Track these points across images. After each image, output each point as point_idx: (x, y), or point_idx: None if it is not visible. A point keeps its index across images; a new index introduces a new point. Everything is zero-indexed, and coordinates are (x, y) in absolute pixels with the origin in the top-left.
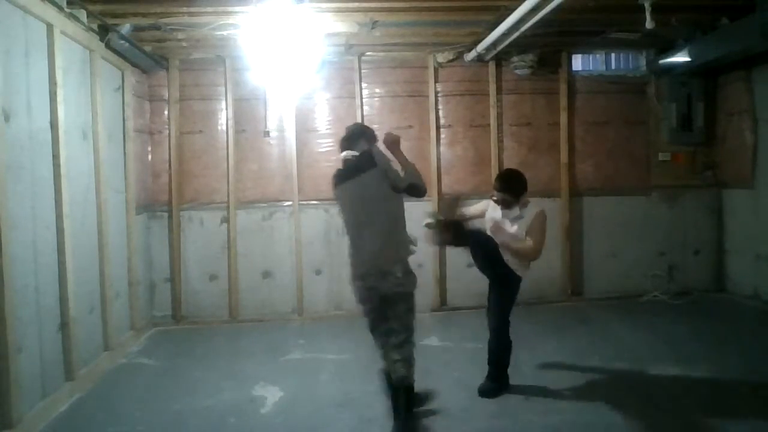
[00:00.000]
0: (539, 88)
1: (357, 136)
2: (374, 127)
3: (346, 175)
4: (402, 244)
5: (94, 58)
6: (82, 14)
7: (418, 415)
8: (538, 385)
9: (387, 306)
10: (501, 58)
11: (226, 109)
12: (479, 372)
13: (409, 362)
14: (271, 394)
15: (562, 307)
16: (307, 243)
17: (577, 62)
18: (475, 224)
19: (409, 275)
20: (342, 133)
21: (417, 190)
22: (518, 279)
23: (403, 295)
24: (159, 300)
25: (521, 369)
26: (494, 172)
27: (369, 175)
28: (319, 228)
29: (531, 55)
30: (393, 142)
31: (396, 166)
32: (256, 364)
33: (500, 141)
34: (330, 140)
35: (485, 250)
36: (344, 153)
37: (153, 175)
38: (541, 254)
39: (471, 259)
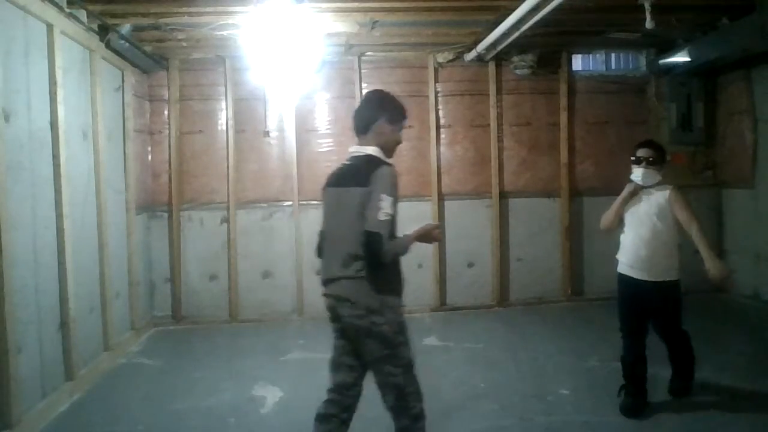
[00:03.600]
0: (539, 88)
1: (369, 108)
2: None
3: (334, 180)
4: (366, 281)
5: (94, 58)
6: (82, 14)
7: None
8: (538, 385)
9: (351, 343)
10: (501, 58)
11: (226, 109)
12: (479, 372)
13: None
14: (271, 394)
15: (562, 307)
16: (307, 243)
17: (577, 62)
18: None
19: (375, 313)
20: (343, 132)
21: (375, 248)
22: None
23: (365, 331)
24: (159, 300)
25: (521, 369)
26: (494, 172)
27: (359, 192)
28: (319, 228)
29: (531, 55)
30: (426, 237)
31: (382, 207)
32: (256, 364)
33: (500, 141)
34: (330, 140)
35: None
36: (351, 149)
37: (153, 175)
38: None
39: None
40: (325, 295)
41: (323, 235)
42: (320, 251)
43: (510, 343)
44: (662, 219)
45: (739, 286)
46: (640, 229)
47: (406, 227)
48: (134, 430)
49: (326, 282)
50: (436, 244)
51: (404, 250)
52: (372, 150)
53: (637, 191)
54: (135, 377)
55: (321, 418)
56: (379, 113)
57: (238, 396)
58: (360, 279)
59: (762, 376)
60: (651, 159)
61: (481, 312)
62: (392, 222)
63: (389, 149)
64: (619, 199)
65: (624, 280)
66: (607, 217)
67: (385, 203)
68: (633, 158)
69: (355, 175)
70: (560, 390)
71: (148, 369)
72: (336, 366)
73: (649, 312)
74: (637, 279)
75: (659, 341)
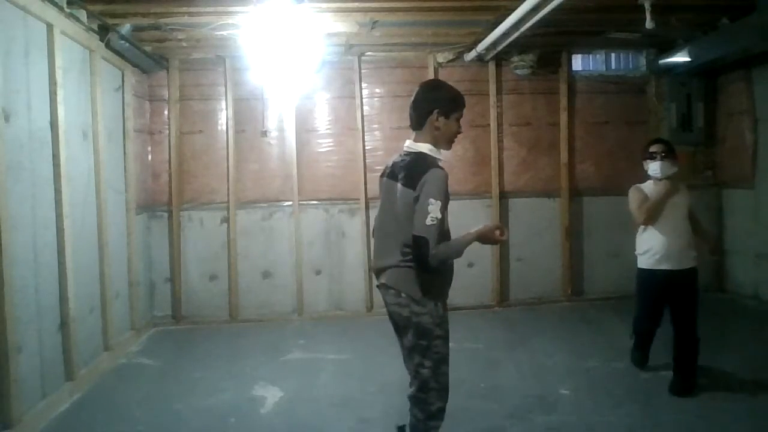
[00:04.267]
0: (539, 88)
1: (423, 102)
2: (374, 127)
3: (389, 172)
4: (410, 271)
5: (94, 58)
6: (82, 14)
7: None
8: (538, 385)
9: (397, 330)
10: (501, 58)
11: (226, 109)
12: (479, 372)
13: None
14: (271, 394)
15: (562, 307)
16: (307, 243)
17: (577, 62)
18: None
19: (418, 304)
20: (343, 132)
21: (422, 253)
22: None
23: (407, 320)
24: (159, 300)
25: (521, 369)
26: (494, 172)
27: (402, 190)
28: (319, 228)
29: (531, 55)
30: (486, 238)
31: (432, 206)
32: (256, 364)
33: (500, 141)
34: (330, 140)
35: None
36: (406, 144)
37: (153, 175)
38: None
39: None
40: (378, 285)
41: (377, 217)
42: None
43: (510, 343)
44: (686, 210)
45: (739, 286)
46: (675, 222)
47: None
48: (134, 430)
49: (377, 272)
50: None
51: (457, 253)
52: (425, 147)
53: (677, 188)
54: (135, 377)
55: (410, 400)
56: (431, 106)
57: (238, 396)
58: (407, 269)
59: (762, 377)
60: (664, 153)
61: (481, 312)
62: (441, 225)
63: (446, 142)
64: (663, 195)
65: (653, 273)
66: (648, 212)
67: (433, 207)
68: (648, 154)
69: (406, 174)
70: (560, 390)
71: (148, 369)
72: (403, 356)
73: (672, 300)
74: (671, 270)
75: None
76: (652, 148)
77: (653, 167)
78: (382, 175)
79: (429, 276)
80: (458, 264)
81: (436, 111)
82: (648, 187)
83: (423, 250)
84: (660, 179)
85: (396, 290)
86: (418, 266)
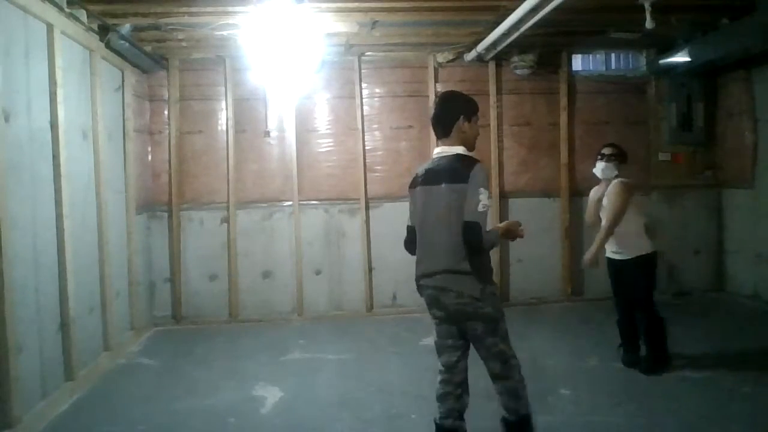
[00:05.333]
0: (539, 88)
1: (448, 110)
2: (374, 127)
3: (424, 179)
4: (468, 273)
5: (94, 58)
6: (82, 14)
7: None
8: (538, 384)
9: (451, 322)
10: (501, 58)
11: (226, 109)
12: (479, 372)
13: (516, 393)
14: (271, 394)
15: (562, 307)
16: (307, 243)
17: (577, 62)
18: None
19: (479, 300)
20: (343, 132)
21: (475, 238)
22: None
23: (470, 314)
24: (159, 300)
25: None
26: (494, 172)
27: (449, 189)
28: (319, 228)
29: (531, 55)
30: (510, 233)
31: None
32: (256, 364)
33: (500, 141)
34: (330, 140)
35: None
36: (437, 150)
37: (153, 175)
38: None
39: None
40: (424, 286)
41: (414, 231)
42: (409, 245)
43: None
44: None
45: (739, 286)
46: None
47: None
48: (134, 430)
49: (427, 275)
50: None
51: (497, 240)
52: (459, 149)
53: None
54: (135, 377)
55: (440, 398)
56: (456, 114)
57: (238, 396)
58: (464, 272)
59: (762, 377)
60: (612, 156)
61: None
62: (487, 214)
63: (471, 144)
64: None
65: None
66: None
67: (483, 196)
68: (598, 155)
69: (451, 173)
70: (560, 390)
71: (148, 369)
72: (441, 349)
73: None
74: (612, 259)
75: None
76: (603, 150)
77: (597, 167)
78: (413, 186)
79: (483, 272)
80: None
81: (461, 117)
82: (596, 189)
83: (476, 235)
84: (601, 180)
85: (457, 292)
86: (471, 250)
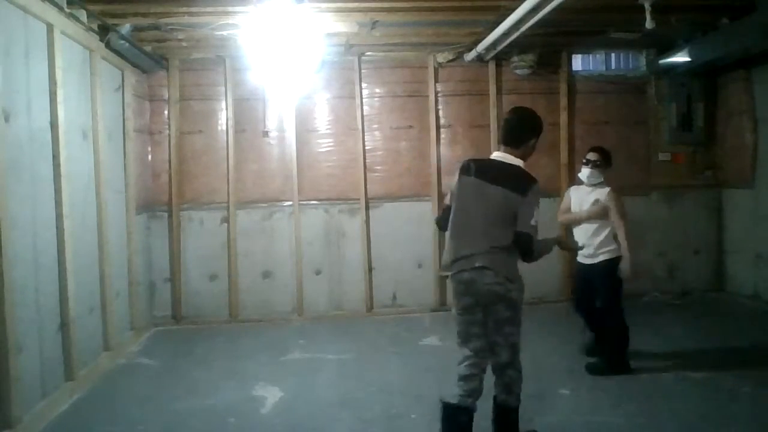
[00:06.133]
0: (539, 88)
1: (524, 131)
2: (374, 127)
3: (478, 173)
4: (504, 259)
5: (94, 58)
6: (82, 14)
7: None
8: (538, 384)
9: (480, 306)
10: (501, 58)
11: (226, 109)
12: None
13: (510, 388)
14: (271, 394)
15: (562, 307)
16: (307, 243)
17: (577, 62)
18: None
19: (510, 282)
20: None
21: (531, 248)
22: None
23: (500, 296)
24: (159, 300)
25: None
26: None
27: (506, 194)
28: (319, 228)
29: (531, 55)
30: (564, 244)
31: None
32: (256, 364)
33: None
34: (330, 140)
35: None
36: (498, 154)
37: (153, 175)
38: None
39: None
40: (461, 271)
41: (449, 210)
42: (443, 222)
43: None
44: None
45: (739, 286)
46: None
47: (405, 227)
48: (134, 430)
49: (466, 256)
50: (437, 243)
51: (549, 250)
52: (520, 162)
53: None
54: (135, 377)
55: (465, 378)
56: (533, 134)
57: (238, 396)
58: (502, 254)
59: (761, 377)
60: (597, 162)
61: None
62: (537, 228)
63: (527, 158)
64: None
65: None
66: (562, 223)
67: (536, 212)
68: (584, 160)
69: (512, 182)
70: (560, 390)
71: (148, 369)
72: (467, 337)
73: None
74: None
75: None
76: (588, 156)
77: (583, 172)
78: (465, 173)
79: (516, 260)
80: None
81: (534, 138)
82: (578, 190)
83: (528, 245)
84: (587, 185)
85: (495, 271)
86: (522, 257)
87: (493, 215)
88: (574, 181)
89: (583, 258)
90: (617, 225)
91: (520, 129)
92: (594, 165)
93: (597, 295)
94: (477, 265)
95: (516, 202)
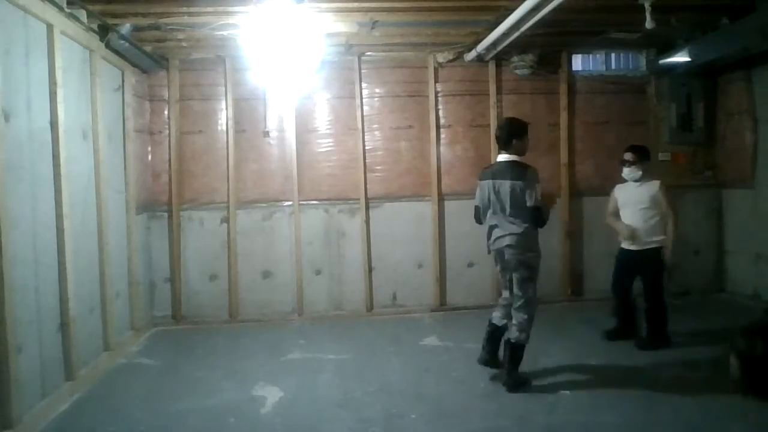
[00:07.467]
0: (539, 88)
1: (509, 136)
2: (374, 127)
3: (490, 175)
4: (523, 235)
5: (94, 58)
6: (82, 14)
7: (520, 375)
8: (538, 384)
9: (508, 270)
10: (501, 58)
11: (226, 109)
12: (479, 372)
13: (521, 326)
14: (271, 394)
15: (562, 307)
16: (307, 243)
17: (577, 62)
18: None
19: (529, 252)
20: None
21: (540, 217)
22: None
23: (521, 262)
24: (159, 300)
25: (521, 369)
26: None
27: (511, 184)
28: (319, 228)
29: (531, 55)
30: (549, 198)
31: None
32: (256, 364)
33: None
34: (330, 140)
35: None
36: (500, 157)
37: (153, 175)
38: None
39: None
40: (497, 248)
41: (479, 210)
42: (478, 219)
43: None
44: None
45: (739, 286)
46: (633, 214)
47: (405, 227)
48: (134, 430)
49: (498, 239)
50: (437, 243)
51: (548, 210)
52: (516, 157)
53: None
54: (135, 377)
55: (499, 308)
56: (517, 135)
57: (238, 396)
58: (523, 235)
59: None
60: (633, 162)
61: (481, 312)
62: (540, 201)
63: (523, 153)
64: (617, 227)
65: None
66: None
67: (538, 189)
68: (620, 161)
69: (512, 173)
70: (560, 390)
71: (148, 369)
72: (503, 286)
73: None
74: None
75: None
76: (624, 156)
77: (624, 173)
78: (484, 178)
79: (534, 237)
80: (458, 264)
81: (514, 139)
82: (623, 188)
83: (541, 215)
84: (631, 181)
85: (517, 247)
86: (535, 225)
87: (508, 203)
88: (574, 181)
89: (628, 245)
90: (668, 215)
91: (507, 135)
92: (630, 164)
93: (644, 278)
94: (506, 243)
95: (520, 187)
